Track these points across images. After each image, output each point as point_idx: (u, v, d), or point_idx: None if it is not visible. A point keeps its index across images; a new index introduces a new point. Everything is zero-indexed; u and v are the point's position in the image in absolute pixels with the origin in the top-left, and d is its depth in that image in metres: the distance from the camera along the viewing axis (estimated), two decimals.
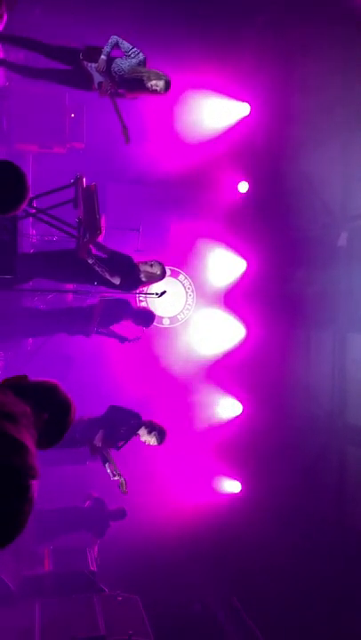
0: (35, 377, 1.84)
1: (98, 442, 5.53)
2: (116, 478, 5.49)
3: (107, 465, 5.54)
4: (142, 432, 5.54)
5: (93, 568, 6.80)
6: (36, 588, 6.23)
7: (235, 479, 8.63)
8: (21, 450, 1.41)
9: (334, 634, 6.52)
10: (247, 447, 8.31)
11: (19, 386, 1.68)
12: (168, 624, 6.45)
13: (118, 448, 5.69)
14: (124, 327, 6.78)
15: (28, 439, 1.47)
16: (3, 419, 1.46)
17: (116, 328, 6.72)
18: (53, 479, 6.07)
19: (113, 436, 5.60)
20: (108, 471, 5.52)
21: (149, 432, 5.53)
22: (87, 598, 6.17)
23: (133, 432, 5.60)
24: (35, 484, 1.40)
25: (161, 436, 5.56)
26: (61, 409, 1.73)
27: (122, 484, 5.49)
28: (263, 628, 7.10)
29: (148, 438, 5.55)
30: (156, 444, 5.58)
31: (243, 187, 8.83)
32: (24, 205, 3.08)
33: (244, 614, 7.45)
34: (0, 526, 1.36)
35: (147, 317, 6.79)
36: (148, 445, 5.62)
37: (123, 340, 6.81)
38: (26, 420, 1.52)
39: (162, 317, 8.93)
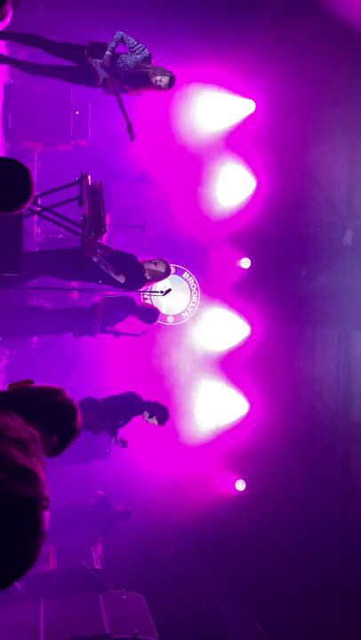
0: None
1: (102, 429, 5.90)
2: (120, 444, 6.01)
3: (111, 438, 6.01)
4: (145, 414, 5.88)
5: (98, 566, 6.80)
6: (41, 586, 6.24)
7: (240, 477, 8.62)
8: (32, 479, 1.34)
9: (340, 630, 6.51)
10: (252, 445, 8.29)
11: (26, 407, 1.63)
12: (173, 622, 6.45)
13: (120, 426, 6.02)
14: (129, 324, 6.77)
15: (39, 467, 1.41)
16: (12, 446, 1.40)
17: (120, 326, 6.71)
18: (59, 477, 6.07)
19: (115, 420, 5.97)
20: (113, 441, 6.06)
21: (151, 415, 5.86)
22: (92, 596, 6.18)
23: (135, 413, 5.94)
24: (47, 515, 1.33)
25: (162, 419, 5.90)
26: (69, 430, 1.69)
27: (124, 442, 5.97)
28: (268, 626, 7.10)
29: (150, 420, 5.89)
30: (157, 424, 5.92)
31: (250, 182, 8.77)
32: (29, 203, 3.06)
33: (249, 612, 7.45)
34: (11, 561, 1.25)
35: (151, 314, 6.78)
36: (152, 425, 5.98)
37: (129, 335, 6.82)
38: (35, 447, 1.47)
39: (166, 315, 8.91)
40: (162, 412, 5.94)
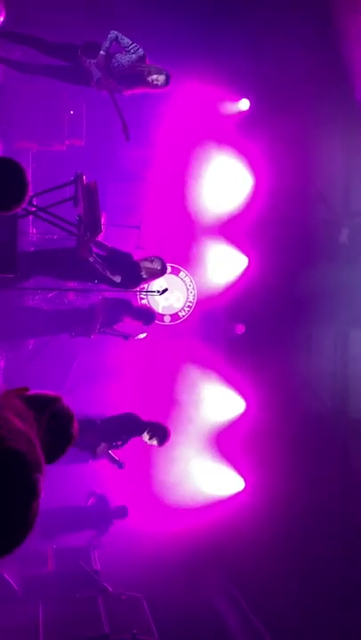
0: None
1: (100, 452, 5.81)
2: (117, 465, 6.07)
3: (109, 460, 6.01)
4: (145, 436, 5.73)
5: (97, 567, 6.79)
6: (39, 587, 6.23)
7: (238, 476, 8.61)
8: (30, 445, 1.32)
9: (340, 627, 6.52)
10: (250, 444, 8.29)
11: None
12: (172, 622, 6.44)
13: (118, 447, 5.93)
14: (126, 325, 6.78)
15: (36, 440, 1.40)
16: (13, 415, 1.38)
17: (117, 327, 6.72)
18: (55, 477, 6.05)
19: (114, 442, 5.87)
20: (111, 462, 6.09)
21: (151, 437, 5.71)
22: (91, 597, 6.18)
23: (135, 435, 5.79)
24: (42, 481, 1.30)
25: (162, 439, 5.75)
26: (65, 438, 1.67)
27: (121, 464, 6.06)
28: (268, 624, 7.09)
29: (149, 441, 5.74)
30: (157, 445, 5.78)
31: (246, 183, 8.74)
32: (24, 203, 3.04)
33: (248, 611, 7.45)
34: (8, 525, 1.21)
35: (147, 316, 6.78)
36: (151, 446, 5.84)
37: (126, 337, 6.82)
38: (31, 426, 1.46)
39: (163, 315, 8.90)
40: (162, 433, 5.80)
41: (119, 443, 5.87)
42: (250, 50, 7.61)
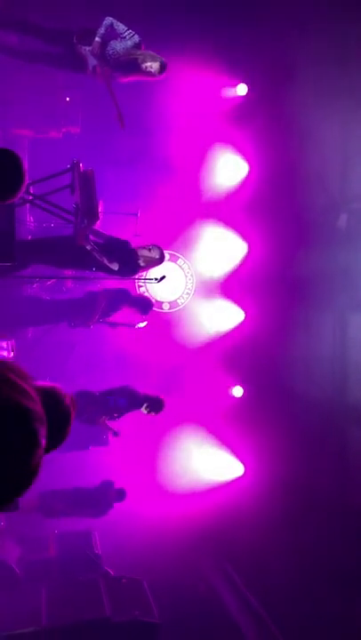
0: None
1: (99, 424, 6.13)
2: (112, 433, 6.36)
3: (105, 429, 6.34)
4: (143, 408, 6.04)
5: (98, 552, 6.87)
6: (41, 572, 6.32)
7: (237, 461, 8.69)
8: (29, 397, 1.35)
9: (340, 613, 6.60)
10: (249, 429, 8.35)
11: None
12: (173, 604, 6.54)
13: (116, 419, 6.24)
14: (124, 315, 6.83)
15: (38, 398, 1.42)
16: (14, 375, 1.39)
17: (116, 316, 6.77)
18: (57, 464, 6.12)
19: (113, 414, 6.17)
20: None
21: (149, 409, 6.02)
22: (92, 581, 6.27)
23: (133, 408, 6.09)
24: (43, 431, 1.34)
25: (159, 409, 6.06)
26: (64, 432, 1.70)
27: (115, 432, 6.31)
28: (267, 606, 7.20)
29: (148, 413, 6.07)
30: (154, 414, 6.11)
31: (243, 168, 8.73)
32: (21, 192, 3.05)
33: (247, 592, 7.55)
34: (11, 474, 1.24)
35: (145, 305, 6.82)
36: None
37: (126, 325, 6.90)
38: (34, 392, 1.49)
39: (162, 302, 8.93)
40: (157, 404, 6.04)
41: (117, 415, 6.14)
42: (247, 30, 7.55)
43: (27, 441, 1.29)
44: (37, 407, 1.36)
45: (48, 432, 1.52)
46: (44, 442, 1.34)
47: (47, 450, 1.50)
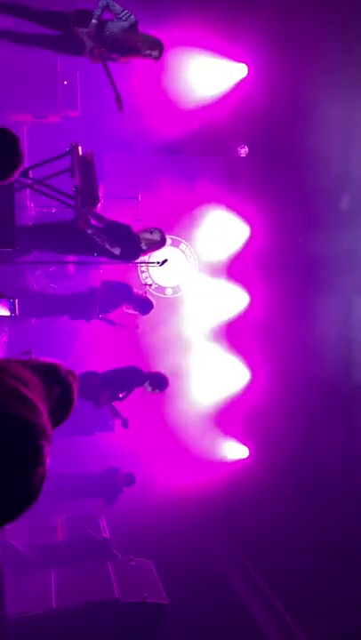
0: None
1: (103, 400, 6.05)
2: (121, 422, 6.24)
3: (113, 414, 6.22)
4: (146, 386, 6.10)
5: (106, 535, 6.92)
6: (50, 556, 6.37)
7: (243, 444, 8.71)
8: (34, 409, 1.31)
9: (341, 585, 6.66)
10: (254, 412, 8.37)
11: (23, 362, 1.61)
12: (182, 586, 6.60)
13: (121, 399, 6.22)
14: (123, 315, 6.86)
15: (42, 406, 1.38)
16: (16, 382, 1.36)
17: (115, 314, 6.79)
18: (65, 450, 6.17)
19: (116, 392, 6.17)
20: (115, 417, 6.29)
21: (152, 387, 6.08)
22: (101, 564, 6.33)
23: (136, 386, 6.14)
24: (47, 449, 1.28)
25: (162, 387, 6.14)
26: (68, 386, 1.68)
27: (124, 421, 6.17)
28: (275, 587, 7.26)
29: (151, 391, 6.14)
30: (159, 392, 6.20)
31: (243, 151, 8.67)
32: (19, 171, 3.03)
33: (255, 574, 7.61)
34: (14, 491, 1.21)
35: (145, 305, 6.78)
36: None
37: (122, 326, 6.94)
38: (37, 391, 1.46)
39: (164, 287, 8.90)
40: (161, 382, 6.10)
41: (122, 394, 6.16)
42: (250, 5, 7.43)
43: (30, 458, 1.23)
44: (41, 419, 1.31)
45: (51, 410, 1.50)
46: (48, 460, 1.28)
47: (54, 425, 1.48)
